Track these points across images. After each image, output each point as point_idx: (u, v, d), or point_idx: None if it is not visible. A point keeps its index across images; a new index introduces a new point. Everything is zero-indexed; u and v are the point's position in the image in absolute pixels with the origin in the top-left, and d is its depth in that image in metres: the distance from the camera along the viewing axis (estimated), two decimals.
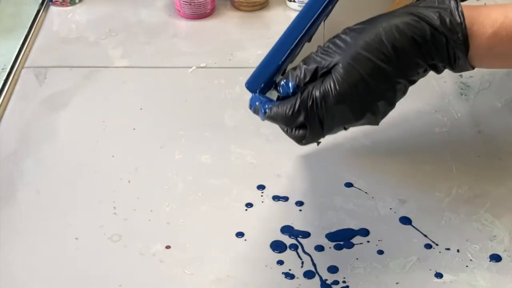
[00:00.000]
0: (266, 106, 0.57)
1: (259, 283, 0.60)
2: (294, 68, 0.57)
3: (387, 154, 0.72)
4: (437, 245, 0.62)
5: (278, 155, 0.71)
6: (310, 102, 0.55)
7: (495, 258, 0.61)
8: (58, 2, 0.96)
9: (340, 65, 0.54)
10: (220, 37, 0.91)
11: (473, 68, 0.56)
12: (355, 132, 0.74)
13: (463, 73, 0.82)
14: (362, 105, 0.55)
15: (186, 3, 0.92)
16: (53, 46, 0.89)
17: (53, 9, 0.96)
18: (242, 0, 0.95)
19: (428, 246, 0.62)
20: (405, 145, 0.73)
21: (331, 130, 0.57)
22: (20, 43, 0.88)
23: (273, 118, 0.57)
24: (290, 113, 0.55)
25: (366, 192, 0.67)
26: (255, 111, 0.59)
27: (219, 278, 0.60)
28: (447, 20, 0.54)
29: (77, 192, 0.68)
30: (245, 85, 0.59)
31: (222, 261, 0.61)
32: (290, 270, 0.60)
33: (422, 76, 0.57)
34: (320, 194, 0.68)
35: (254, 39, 0.89)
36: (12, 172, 0.70)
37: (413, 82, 0.56)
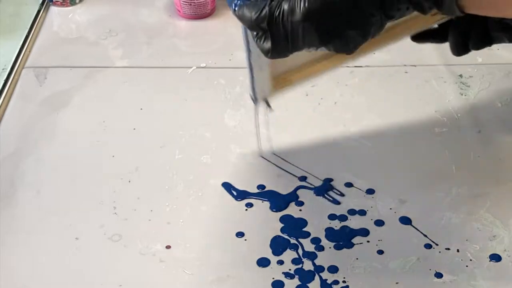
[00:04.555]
0: (237, 2, 0.55)
1: (259, 283, 0.60)
2: None
3: (387, 154, 0.72)
4: (437, 245, 0.62)
5: (278, 155, 0.71)
6: (277, 12, 0.53)
7: (495, 258, 0.61)
8: (58, 2, 0.96)
9: None
10: (220, 37, 0.91)
11: (462, 11, 0.51)
12: (355, 132, 0.74)
13: (463, 73, 0.82)
14: (329, 29, 0.52)
15: (186, 3, 0.92)
16: (53, 46, 0.89)
17: (53, 9, 0.96)
18: None
19: (428, 246, 0.62)
20: (405, 145, 0.73)
21: (297, 47, 0.54)
22: (21, 43, 0.88)
23: (240, 18, 0.55)
24: (255, 17, 0.53)
25: (366, 192, 0.68)
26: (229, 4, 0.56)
27: (219, 278, 0.60)
28: None
29: (77, 192, 0.68)
30: None
31: (222, 261, 0.61)
32: (290, 270, 0.60)
33: (404, 15, 0.53)
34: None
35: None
36: (12, 172, 0.70)
37: (391, 17, 0.53)
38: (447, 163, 0.71)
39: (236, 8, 0.55)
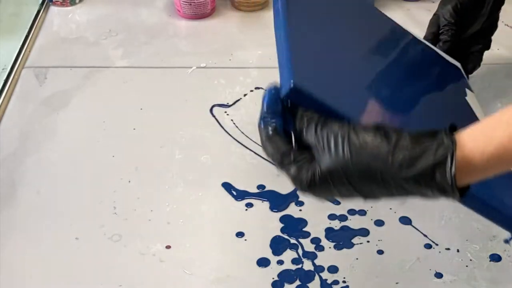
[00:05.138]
0: (269, 129, 0.47)
1: (259, 283, 0.60)
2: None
3: None
4: (437, 245, 0.62)
5: None
6: (292, 171, 0.46)
7: (495, 258, 0.61)
8: (58, 2, 0.96)
9: (326, 166, 0.44)
10: (220, 37, 0.91)
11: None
12: None
13: None
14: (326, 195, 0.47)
15: (186, 3, 0.92)
16: (53, 46, 0.89)
17: (53, 9, 0.96)
18: (242, 0, 0.95)
19: (428, 246, 0.62)
20: None
21: None
22: (21, 43, 0.88)
23: (264, 146, 0.48)
24: (274, 156, 0.47)
25: None
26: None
27: (219, 278, 0.60)
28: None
29: (77, 192, 0.68)
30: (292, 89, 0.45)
31: (222, 261, 0.61)
32: (290, 270, 0.60)
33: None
34: None
35: (254, 39, 0.89)
36: (12, 172, 0.70)
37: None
38: None
39: (265, 137, 0.47)
